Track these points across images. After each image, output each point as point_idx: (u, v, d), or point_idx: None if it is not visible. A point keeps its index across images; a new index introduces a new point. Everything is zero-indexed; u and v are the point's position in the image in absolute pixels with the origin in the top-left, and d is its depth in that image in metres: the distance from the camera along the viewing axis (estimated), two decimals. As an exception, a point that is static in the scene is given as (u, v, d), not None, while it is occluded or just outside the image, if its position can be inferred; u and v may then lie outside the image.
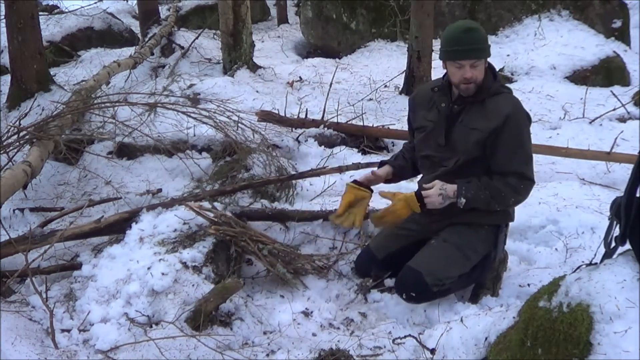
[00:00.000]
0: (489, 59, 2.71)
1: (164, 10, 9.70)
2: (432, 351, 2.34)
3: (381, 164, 3.04)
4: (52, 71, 6.50)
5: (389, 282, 2.93)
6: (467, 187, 2.64)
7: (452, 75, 2.68)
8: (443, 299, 2.80)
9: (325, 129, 4.71)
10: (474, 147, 2.67)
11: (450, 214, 2.73)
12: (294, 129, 4.74)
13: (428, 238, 2.84)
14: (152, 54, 7.36)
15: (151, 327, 2.52)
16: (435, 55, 6.28)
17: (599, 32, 7.13)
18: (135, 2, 10.00)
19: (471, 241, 2.75)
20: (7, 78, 6.11)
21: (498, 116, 2.63)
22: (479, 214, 2.72)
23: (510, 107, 2.67)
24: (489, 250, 2.78)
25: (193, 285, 2.69)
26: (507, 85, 2.85)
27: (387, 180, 2.99)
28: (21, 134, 3.91)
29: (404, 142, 3.37)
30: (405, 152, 3.05)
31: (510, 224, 3.34)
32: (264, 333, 2.69)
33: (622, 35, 7.33)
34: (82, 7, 9.47)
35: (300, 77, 6.53)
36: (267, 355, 2.53)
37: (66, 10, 10.06)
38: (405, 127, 3.31)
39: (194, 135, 4.47)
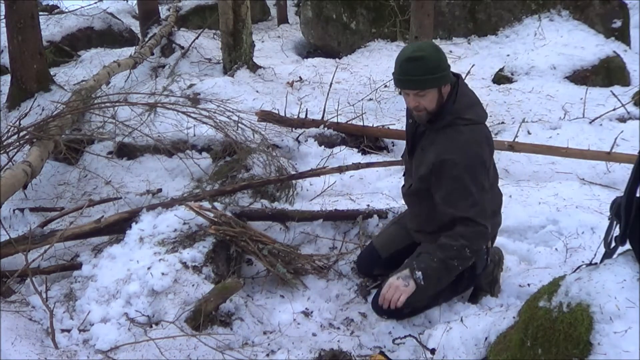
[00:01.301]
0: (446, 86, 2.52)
1: (164, 10, 9.70)
2: (432, 351, 2.34)
3: None
4: (52, 71, 6.50)
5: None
6: (417, 260, 2.53)
7: (405, 100, 2.59)
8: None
9: (325, 129, 4.71)
10: (420, 180, 2.60)
11: (423, 230, 2.72)
12: (294, 129, 4.74)
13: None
14: (152, 54, 7.35)
15: (151, 327, 2.52)
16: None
17: (599, 32, 7.13)
18: (135, 2, 10.00)
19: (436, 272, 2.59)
20: (7, 78, 6.11)
21: (437, 156, 2.49)
22: (424, 231, 2.69)
23: (454, 146, 2.47)
24: (471, 265, 2.62)
25: (193, 285, 2.69)
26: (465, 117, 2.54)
27: None
28: (21, 134, 3.91)
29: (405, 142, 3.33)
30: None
31: (510, 224, 3.35)
32: (264, 333, 2.69)
33: (622, 35, 7.33)
34: (82, 7, 9.48)
35: (300, 77, 6.53)
36: (267, 355, 2.53)
37: (66, 10, 10.07)
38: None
39: (194, 135, 4.47)
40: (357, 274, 3.05)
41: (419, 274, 2.49)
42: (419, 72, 2.45)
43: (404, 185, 2.89)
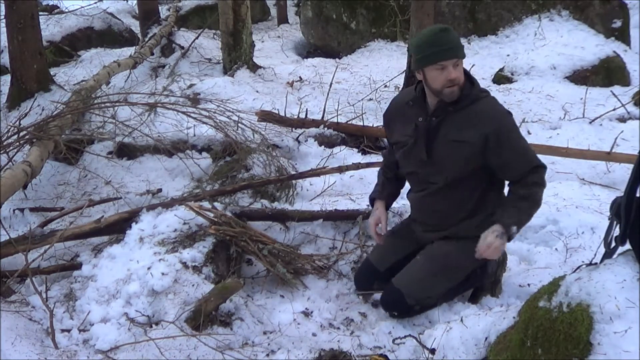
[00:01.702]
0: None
1: (164, 10, 9.71)
2: (432, 351, 2.34)
3: (373, 201, 2.95)
4: (52, 71, 6.50)
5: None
6: (505, 215, 2.54)
7: (434, 80, 2.52)
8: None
9: (325, 129, 4.71)
10: (466, 162, 2.57)
11: (444, 225, 2.71)
12: (294, 129, 4.74)
13: (425, 245, 2.81)
14: (152, 54, 7.36)
15: (151, 327, 2.52)
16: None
17: (599, 32, 7.13)
18: (135, 2, 10.00)
19: (459, 258, 2.66)
20: (7, 78, 6.11)
21: (487, 125, 2.52)
22: (470, 227, 2.65)
23: (496, 111, 2.59)
24: (483, 262, 2.69)
25: (193, 285, 2.69)
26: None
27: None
28: (21, 134, 3.91)
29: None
30: (387, 172, 2.95)
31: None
32: (264, 333, 2.69)
33: (622, 35, 7.33)
34: (82, 7, 9.48)
35: (300, 77, 6.53)
36: (267, 355, 2.53)
37: (66, 10, 10.07)
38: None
39: (194, 135, 4.47)
40: (357, 290, 2.97)
41: (514, 228, 2.52)
42: (456, 41, 2.51)
43: (412, 192, 2.82)
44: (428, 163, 2.64)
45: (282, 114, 4.80)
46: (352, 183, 4.08)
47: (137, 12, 9.98)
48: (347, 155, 4.49)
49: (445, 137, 2.58)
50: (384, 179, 2.95)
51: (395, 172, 2.92)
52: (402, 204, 3.44)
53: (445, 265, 2.68)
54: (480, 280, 2.80)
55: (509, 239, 2.57)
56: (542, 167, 2.60)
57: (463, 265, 2.69)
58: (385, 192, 2.93)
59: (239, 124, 4.20)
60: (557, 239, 3.23)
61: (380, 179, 2.98)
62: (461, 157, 2.56)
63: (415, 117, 2.64)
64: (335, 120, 4.76)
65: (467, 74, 2.60)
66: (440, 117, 2.59)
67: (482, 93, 2.62)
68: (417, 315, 2.72)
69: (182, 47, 7.46)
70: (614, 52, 6.55)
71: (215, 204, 3.24)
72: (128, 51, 7.65)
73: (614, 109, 5.00)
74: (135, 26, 9.91)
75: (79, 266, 2.99)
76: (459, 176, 2.61)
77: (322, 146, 4.63)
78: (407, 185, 2.92)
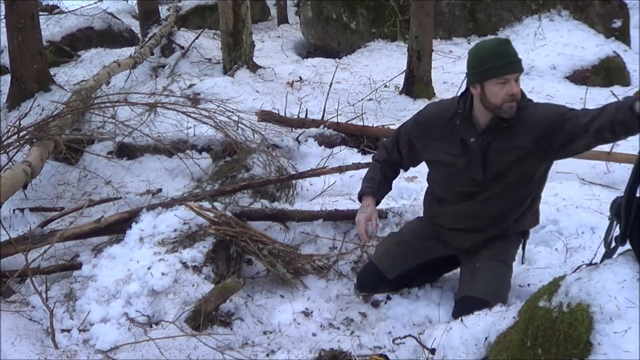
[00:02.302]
0: None
1: (164, 10, 9.71)
2: (432, 351, 2.34)
3: (362, 196, 2.84)
4: (52, 71, 6.50)
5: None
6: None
7: (494, 95, 2.41)
8: (443, 299, 2.81)
9: (325, 129, 4.71)
10: (522, 165, 2.49)
11: (481, 230, 2.66)
12: (294, 129, 4.74)
13: (451, 255, 2.79)
14: (152, 54, 7.36)
15: (151, 327, 2.52)
16: (436, 56, 6.31)
17: (599, 32, 7.13)
18: (135, 2, 10.01)
19: (510, 251, 2.71)
20: (7, 78, 6.11)
21: (536, 127, 2.43)
22: (507, 225, 2.64)
23: (541, 112, 2.47)
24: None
25: (193, 285, 2.69)
26: None
27: None
28: (21, 134, 3.91)
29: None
30: (387, 170, 2.86)
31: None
32: (264, 333, 2.69)
33: (622, 35, 7.33)
34: (82, 7, 9.48)
35: (300, 77, 6.53)
36: (267, 355, 2.53)
37: (66, 10, 10.07)
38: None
39: (194, 135, 4.47)
40: (357, 290, 2.95)
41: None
42: (517, 53, 2.43)
43: (449, 203, 2.71)
44: (481, 181, 2.56)
45: (282, 114, 4.80)
46: (352, 183, 4.08)
47: (137, 12, 9.99)
48: (347, 155, 4.49)
49: (497, 152, 2.51)
50: (382, 177, 2.85)
51: (395, 171, 2.89)
52: (402, 203, 3.45)
53: (508, 260, 2.70)
54: None
55: None
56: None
57: (513, 255, 2.74)
58: (381, 191, 2.86)
59: (239, 124, 4.20)
60: (557, 239, 3.23)
61: (377, 175, 2.85)
62: (518, 162, 2.49)
63: (467, 137, 2.54)
64: (335, 120, 4.76)
65: None
66: (492, 135, 2.51)
67: (527, 100, 2.54)
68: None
69: (182, 47, 7.46)
70: (614, 52, 6.55)
71: (215, 204, 3.24)
72: (128, 51, 7.65)
73: (614, 109, 5.00)
74: (135, 26, 9.91)
75: (79, 266, 2.99)
76: (518, 179, 2.54)
77: (322, 146, 4.63)
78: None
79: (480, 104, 2.48)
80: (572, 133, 2.36)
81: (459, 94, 2.68)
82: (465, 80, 2.58)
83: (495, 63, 2.39)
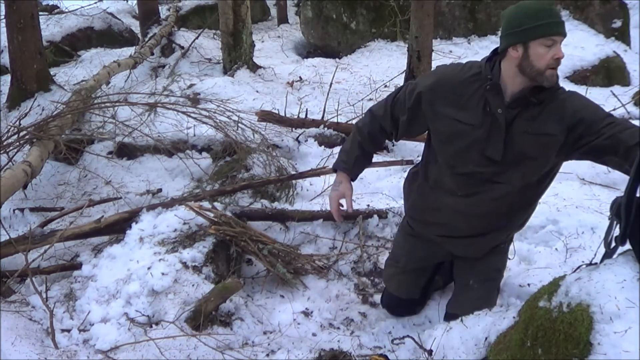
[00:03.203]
0: None
1: (164, 10, 9.70)
2: (430, 352, 2.34)
3: (338, 170, 2.54)
4: (52, 71, 6.50)
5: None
6: None
7: (539, 58, 2.11)
8: (443, 299, 2.81)
9: (325, 129, 4.71)
10: (548, 158, 2.25)
11: (492, 230, 2.44)
12: (294, 129, 4.74)
13: (445, 259, 2.71)
14: (152, 54, 7.36)
15: (151, 327, 2.52)
16: (436, 56, 6.30)
17: (599, 32, 7.13)
18: (135, 2, 10.00)
19: (498, 266, 2.62)
20: (7, 78, 6.10)
21: (570, 115, 2.17)
22: (502, 234, 2.50)
23: (581, 103, 2.23)
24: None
25: (193, 285, 2.69)
26: None
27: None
28: (21, 134, 3.91)
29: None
30: (368, 144, 2.50)
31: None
32: (264, 333, 2.69)
33: (622, 35, 7.33)
34: (82, 7, 9.47)
35: (300, 77, 6.53)
36: (267, 355, 2.53)
37: (66, 10, 10.06)
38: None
39: (194, 135, 4.47)
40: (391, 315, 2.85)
41: None
42: (559, 16, 2.16)
43: (450, 195, 2.37)
44: (497, 162, 2.24)
45: (282, 114, 4.80)
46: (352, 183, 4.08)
47: (137, 12, 9.97)
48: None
49: (521, 131, 2.20)
50: (359, 153, 2.49)
51: (377, 144, 2.56)
52: (401, 203, 3.44)
53: (495, 276, 2.63)
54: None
55: None
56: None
57: (502, 268, 2.66)
58: (356, 168, 2.52)
59: (239, 124, 4.20)
60: (557, 239, 3.23)
61: (355, 149, 2.50)
62: (543, 151, 2.22)
63: (492, 105, 2.20)
64: (335, 120, 4.76)
65: None
66: (518, 109, 2.19)
67: (561, 88, 2.29)
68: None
69: (182, 47, 7.46)
70: (614, 52, 6.55)
71: (215, 204, 3.25)
72: (128, 51, 7.65)
73: (614, 109, 4.99)
74: (135, 26, 9.91)
75: (79, 266, 2.99)
76: (537, 175, 2.29)
77: (322, 146, 4.63)
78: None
79: (517, 69, 2.16)
80: (601, 143, 2.10)
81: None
82: (500, 43, 2.22)
83: (544, 21, 2.09)
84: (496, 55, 2.25)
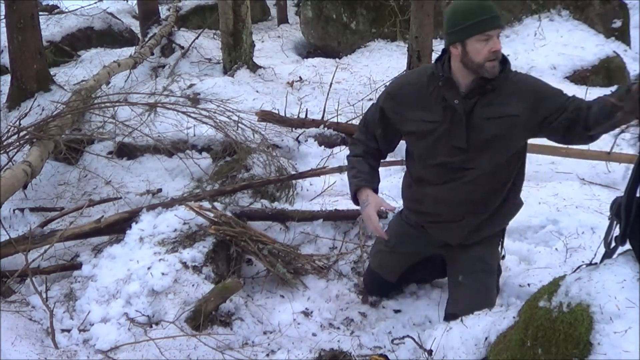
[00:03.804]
0: None
1: (164, 10, 9.69)
2: (430, 352, 2.34)
3: (357, 193, 2.61)
4: (52, 71, 6.49)
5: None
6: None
7: (477, 53, 2.29)
8: (443, 299, 2.81)
9: (325, 129, 4.71)
10: (514, 137, 2.38)
11: (475, 215, 2.54)
12: (294, 129, 4.74)
13: (435, 253, 2.76)
14: (152, 54, 7.35)
15: (151, 327, 2.52)
16: (436, 56, 6.29)
17: (599, 32, 7.12)
18: (135, 2, 10.00)
19: (494, 254, 2.66)
20: (7, 78, 6.10)
21: (526, 92, 2.35)
22: (494, 226, 2.58)
23: (531, 79, 2.47)
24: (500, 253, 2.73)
25: (193, 285, 2.69)
26: None
27: None
28: (21, 134, 3.91)
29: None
30: (370, 159, 2.65)
31: (510, 224, 3.34)
32: (264, 333, 2.69)
33: (622, 35, 7.32)
34: (82, 7, 9.46)
35: (300, 77, 6.52)
36: (267, 355, 2.53)
37: (66, 10, 10.05)
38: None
39: (194, 135, 4.47)
40: (368, 295, 2.96)
41: None
42: (494, 9, 2.32)
43: (430, 184, 2.54)
44: (464, 149, 2.41)
45: (282, 114, 4.80)
46: (352, 183, 4.08)
47: (137, 12, 9.97)
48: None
49: (483, 117, 2.37)
50: (369, 167, 2.63)
51: (377, 159, 2.69)
52: (401, 203, 3.44)
53: (493, 264, 2.66)
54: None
55: None
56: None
57: (496, 260, 2.69)
58: (374, 178, 2.63)
59: (239, 124, 4.20)
60: (557, 239, 3.23)
61: (363, 167, 2.62)
62: (508, 132, 2.36)
63: (450, 99, 2.38)
64: (335, 120, 4.76)
65: None
66: (475, 97, 2.37)
67: (515, 71, 2.46)
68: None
69: (182, 47, 7.45)
70: (614, 52, 6.55)
71: (215, 204, 3.24)
72: (128, 51, 7.64)
73: (614, 109, 5.00)
74: (135, 26, 9.90)
75: (79, 266, 2.99)
76: (504, 156, 2.42)
77: (322, 146, 4.63)
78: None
79: (461, 64, 2.35)
80: (569, 116, 2.28)
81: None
82: (443, 42, 2.46)
83: (477, 19, 2.28)
84: (445, 54, 2.47)
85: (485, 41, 2.30)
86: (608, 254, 1.84)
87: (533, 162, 4.37)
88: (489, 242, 2.65)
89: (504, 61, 2.40)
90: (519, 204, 2.69)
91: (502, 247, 2.77)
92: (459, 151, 2.42)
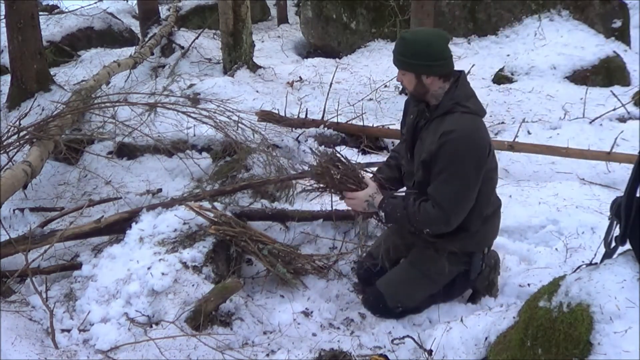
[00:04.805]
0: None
1: (164, 10, 9.69)
2: (430, 352, 2.34)
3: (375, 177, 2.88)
4: (52, 71, 6.50)
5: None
6: (388, 202, 2.64)
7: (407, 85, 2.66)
8: (443, 299, 2.81)
9: (325, 129, 4.71)
10: (422, 167, 2.56)
11: (419, 236, 2.68)
12: (294, 129, 4.74)
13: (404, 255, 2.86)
14: (152, 54, 7.35)
15: (151, 327, 2.52)
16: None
17: (599, 32, 7.13)
18: (135, 2, 10.00)
19: (437, 265, 2.68)
20: (7, 78, 6.11)
21: (436, 139, 2.47)
22: (444, 240, 2.63)
23: (453, 129, 2.43)
24: (465, 269, 2.71)
25: (193, 285, 2.69)
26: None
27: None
28: (21, 134, 3.91)
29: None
30: (390, 159, 3.01)
31: (510, 224, 3.34)
32: (264, 333, 2.69)
33: (622, 35, 7.33)
34: (82, 7, 9.46)
35: (300, 77, 6.53)
36: (267, 355, 2.53)
37: (66, 10, 10.05)
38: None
39: (194, 135, 4.47)
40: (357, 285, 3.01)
41: (382, 214, 2.66)
42: (399, 51, 2.57)
43: (408, 185, 2.80)
44: (409, 161, 2.71)
45: (282, 114, 4.80)
46: (352, 183, 4.08)
47: (137, 12, 9.97)
48: (347, 155, 4.46)
49: (420, 138, 2.63)
50: (384, 164, 3.01)
51: (396, 162, 2.94)
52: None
53: (426, 270, 2.71)
54: (464, 288, 2.81)
55: (370, 215, 2.81)
56: (442, 212, 2.47)
57: (442, 270, 2.68)
58: (384, 174, 2.90)
59: (239, 124, 4.20)
60: (557, 239, 3.23)
61: (383, 165, 3.05)
62: (419, 161, 2.59)
63: (411, 113, 2.73)
64: (335, 120, 4.76)
65: (456, 83, 2.53)
66: (424, 120, 2.64)
67: (459, 107, 2.49)
68: (399, 317, 2.74)
69: (182, 47, 7.46)
70: (614, 52, 6.55)
71: (215, 204, 3.24)
72: (128, 51, 7.65)
73: (614, 109, 4.99)
74: (135, 26, 9.91)
75: (79, 266, 2.99)
76: (421, 182, 2.60)
77: (322, 146, 4.62)
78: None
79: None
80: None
81: None
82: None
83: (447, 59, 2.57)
84: None
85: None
86: (608, 254, 1.85)
87: (533, 162, 4.38)
88: (437, 255, 2.68)
89: (446, 97, 2.54)
90: (475, 236, 2.66)
91: (472, 265, 2.72)
92: (408, 159, 2.73)
